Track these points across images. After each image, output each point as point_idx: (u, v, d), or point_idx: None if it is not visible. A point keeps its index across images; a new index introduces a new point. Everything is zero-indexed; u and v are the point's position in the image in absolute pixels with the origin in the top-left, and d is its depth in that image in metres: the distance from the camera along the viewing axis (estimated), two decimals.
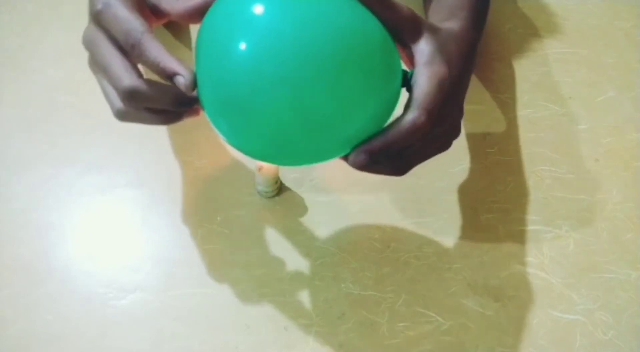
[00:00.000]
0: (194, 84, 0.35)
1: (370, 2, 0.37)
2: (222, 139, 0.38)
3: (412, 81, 0.39)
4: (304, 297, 0.45)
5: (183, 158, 0.52)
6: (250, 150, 0.38)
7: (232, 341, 0.43)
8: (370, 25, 0.36)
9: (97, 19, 0.38)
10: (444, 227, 0.49)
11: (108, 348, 0.43)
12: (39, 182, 0.51)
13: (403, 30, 0.39)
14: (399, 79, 0.38)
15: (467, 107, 0.55)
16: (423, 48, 0.39)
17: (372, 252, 0.47)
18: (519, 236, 0.48)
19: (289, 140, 0.36)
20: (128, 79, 0.36)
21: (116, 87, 0.37)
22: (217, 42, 0.35)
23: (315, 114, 0.34)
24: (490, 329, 0.44)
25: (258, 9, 0.34)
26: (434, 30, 0.40)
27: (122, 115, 0.39)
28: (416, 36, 0.40)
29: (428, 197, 0.50)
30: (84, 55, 0.40)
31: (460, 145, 0.53)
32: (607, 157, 0.53)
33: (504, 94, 0.56)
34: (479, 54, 0.53)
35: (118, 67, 0.37)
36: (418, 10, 0.61)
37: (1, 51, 0.59)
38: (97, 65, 0.39)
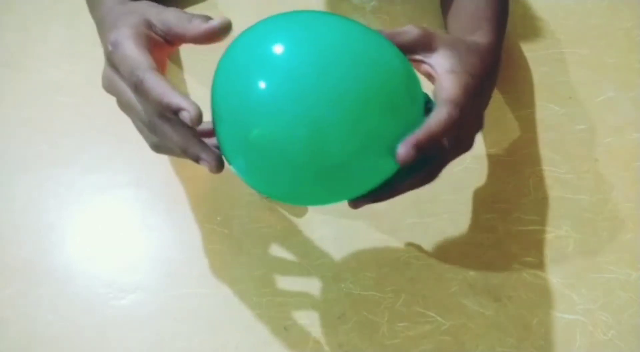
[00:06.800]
0: (200, 118, 0.34)
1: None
2: (239, 177, 0.37)
3: (435, 90, 0.38)
4: (304, 297, 0.45)
5: (183, 158, 0.52)
6: (268, 191, 0.37)
7: (232, 341, 0.43)
8: (388, 57, 0.35)
9: (110, 60, 0.39)
10: (444, 227, 0.49)
11: (108, 348, 0.43)
12: (39, 182, 0.51)
13: (417, 49, 0.40)
14: (421, 105, 0.37)
15: None
16: (441, 61, 0.39)
17: (372, 253, 0.47)
18: (519, 236, 0.48)
19: (309, 182, 0.35)
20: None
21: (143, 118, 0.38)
22: (235, 81, 0.34)
23: (336, 154, 0.33)
24: (490, 329, 0.44)
25: (277, 48, 0.33)
26: (452, 43, 0.41)
27: (156, 148, 0.40)
28: (431, 51, 0.40)
29: (428, 197, 0.50)
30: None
31: None
32: (607, 157, 0.53)
33: (504, 94, 0.56)
34: None
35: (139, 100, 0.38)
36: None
37: (1, 51, 0.59)
38: (122, 105, 0.40)
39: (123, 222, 0.49)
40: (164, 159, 0.52)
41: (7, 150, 0.52)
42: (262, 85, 0.33)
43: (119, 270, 0.47)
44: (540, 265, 0.47)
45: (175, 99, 0.34)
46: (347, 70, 0.33)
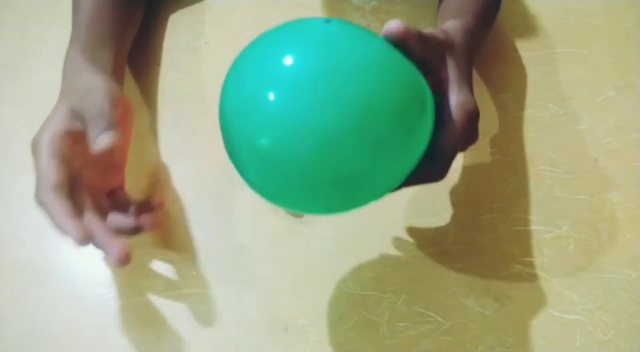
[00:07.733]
0: (85, 243, 0.37)
1: (409, 39, 0.36)
2: (251, 190, 0.38)
3: (449, 111, 0.39)
4: (304, 297, 0.45)
5: (182, 158, 0.52)
6: (279, 202, 0.38)
7: (232, 341, 0.44)
8: (396, 64, 0.35)
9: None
10: (444, 227, 0.49)
11: (108, 348, 0.43)
12: None
13: (432, 60, 0.39)
14: (431, 108, 0.37)
15: None
16: (450, 73, 0.40)
17: (372, 252, 0.47)
18: (519, 236, 0.48)
19: (319, 192, 0.35)
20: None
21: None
22: (243, 92, 0.34)
23: (348, 165, 0.33)
24: (490, 329, 0.44)
25: (283, 59, 0.33)
26: (450, 46, 0.41)
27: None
28: (442, 62, 0.40)
29: (428, 197, 0.50)
30: None
31: None
32: (607, 157, 0.53)
33: (504, 94, 0.56)
34: (480, 54, 0.53)
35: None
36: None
37: (1, 51, 0.59)
38: None
39: None
40: (163, 159, 0.52)
41: (7, 150, 0.52)
42: (269, 96, 0.33)
43: (119, 270, 0.46)
44: (540, 265, 0.47)
45: (63, 226, 0.38)
46: (355, 80, 0.33)
